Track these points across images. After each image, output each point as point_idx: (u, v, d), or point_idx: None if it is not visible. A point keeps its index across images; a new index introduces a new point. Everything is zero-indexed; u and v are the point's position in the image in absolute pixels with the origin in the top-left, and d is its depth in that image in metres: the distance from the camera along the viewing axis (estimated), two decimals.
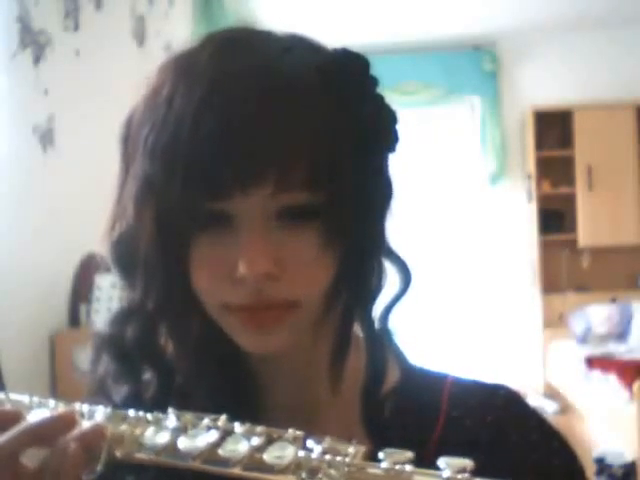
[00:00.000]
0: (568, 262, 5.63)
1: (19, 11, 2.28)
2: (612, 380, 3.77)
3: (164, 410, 0.52)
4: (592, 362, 4.22)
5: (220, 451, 0.48)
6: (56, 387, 2.37)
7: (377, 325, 0.60)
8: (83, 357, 2.34)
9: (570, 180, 5.55)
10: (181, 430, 0.50)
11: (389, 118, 0.57)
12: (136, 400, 0.59)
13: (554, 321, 5.45)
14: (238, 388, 0.60)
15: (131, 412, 0.52)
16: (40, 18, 2.39)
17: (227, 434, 0.49)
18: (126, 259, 0.60)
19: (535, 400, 5.29)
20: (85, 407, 0.54)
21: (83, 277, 2.55)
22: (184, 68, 0.55)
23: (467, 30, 5.52)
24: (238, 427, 0.49)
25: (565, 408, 4.90)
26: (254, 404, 0.60)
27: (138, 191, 0.55)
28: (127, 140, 0.59)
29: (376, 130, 0.56)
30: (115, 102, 3.21)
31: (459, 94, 5.76)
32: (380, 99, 0.57)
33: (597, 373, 4.07)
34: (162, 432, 0.50)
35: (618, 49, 5.66)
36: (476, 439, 0.58)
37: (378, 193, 0.58)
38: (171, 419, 0.51)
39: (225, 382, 0.60)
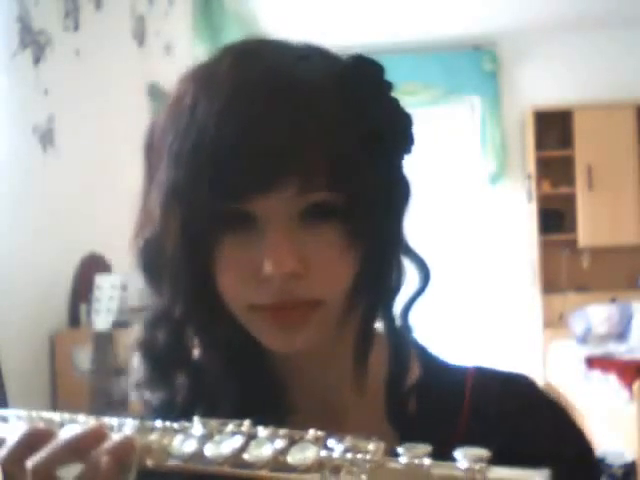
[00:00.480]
0: (568, 262, 5.63)
1: (19, 11, 2.28)
2: (612, 380, 3.77)
3: (195, 414, 0.53)
4: (592, 362, 4.22)
5: (245, 455, 0.49)
6: (56, 387, 2.37)
7: (398, 322, 0.62)
8: (83, 357, 2.34)
9: (570, 180, 5.54)
10: (207, 437, 0.51)
11: (405, 120, 0.59)
12: (170, 405, 0.60)
13: (554, 321, 5.44)
14: (264, 391, 0.61)
15: (158, 422, 0.53)
16: (40, 18, 2.39)
17: (251, 438, 0.50)
18: (153, 265, 0.62)
19: None
20: (114, 420, 0.54)
21: (83, 277, 2.55)
22: (205, 78, 0.57)
23: (467, 30, 5.52)
24: (261, 431, 0.50)
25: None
26: (281, 406, 0.61)
27: (163, 198, 0.57)
28: (151, 149, 0.61)
29: (392, 132, 0.58)
30: (115, 102, 3.24)
31: (459, 94, 5.76)
32: (395, 102, 0.59)
33: (597, 373, 4.07)
34: (189, 440, 0.51)
35: (618, 49, 5.66)
36: (498, 429, 0.59)
37: (396, 193, 0.60)
38: (197, 427, 0.52)
39: (251, 385, 0.61)
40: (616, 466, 3.37)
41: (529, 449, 0.58)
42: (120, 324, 2.38)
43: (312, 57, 0.59)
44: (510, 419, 0.62)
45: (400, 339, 0.62)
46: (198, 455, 0.51)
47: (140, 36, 3.36)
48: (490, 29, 5.54)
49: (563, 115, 5.55)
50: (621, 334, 4.91)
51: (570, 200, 5.53)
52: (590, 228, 5.46)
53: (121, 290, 2.36)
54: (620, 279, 5.62)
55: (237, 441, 0.50)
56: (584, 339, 4.92)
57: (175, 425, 0.52)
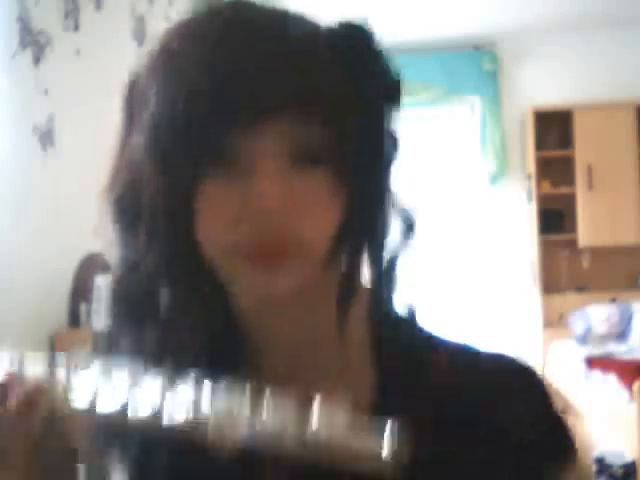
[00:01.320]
0: (568, 262, 5.63)
1: (19, 11, 2.28)
2: (612, 380, 3.76)
3: (163, 365, 0.54)
4: (592, 362, 4.22)
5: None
6: None
7: (383, 276, 0.61)
8: None
9: (570, 180, 5.54)
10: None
11: (392, 71, 0.61)
12: (137, 355, 0.59)
13: (554, 321, 5.44)
14: (233, 348, 0.60)
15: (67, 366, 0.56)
16: (40, 18, 2.39)
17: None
18: (129, 214, 0.60)
19: None
20: (29, 359, 0.59)
21: (83, 277, 2.55)
22: (193, 22, 0.58)
23: (467, 30, 5.52)
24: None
25: (565, 408, 4.90)
26: (249, 367, 0.60)
27: (147, 139, 0.55)
28: (131, 95, 0.61)
29: (382, 80, 0.60)
30: (115, 102, 3.22)
31: (459, 94, 5.76)
32: (384, 54, 0.62)
33: (597, 373, 4.07)
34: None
35: (618, 49, 5.66)
36: (466, 403, 0.59)
37: (384, 144, 0.60)
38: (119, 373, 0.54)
39: (220, 343, 0.59)
40: (616, 466, 3.37)
41: (498, 426, 0.57)
42: None
43: (301, 16, 0.61)
44: (479, 395, 0.60)
45: (384, 292, 0.62)
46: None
47: (140, 36, 3.36)
48: (490, 29, 5.53)
49: (563, 115, 5.54)
50: (621, 334, 4.91)
51: (570, 200, 5.53)
52: (590, 228, 5.46)
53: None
54: (620, 279, 5.62)
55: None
56: (584, 339, 4.92)
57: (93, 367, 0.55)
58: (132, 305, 0.61)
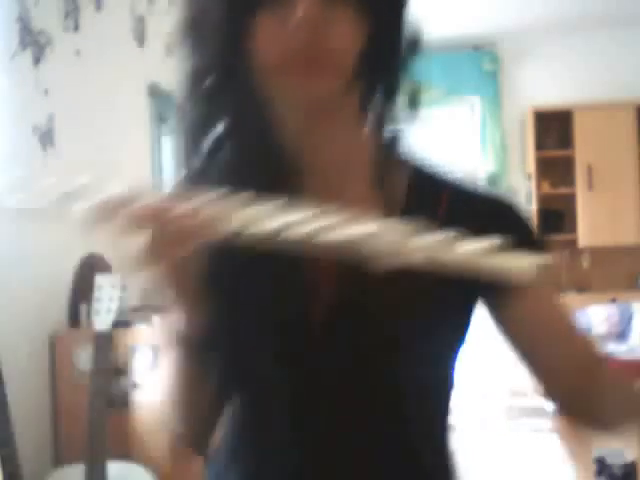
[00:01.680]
0: (568, 262, 5.63)
1: (19, 11, 2.28)
2: None
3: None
4: None
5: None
6: (56, 387, 2.37)
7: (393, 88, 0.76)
8: (83, 357, 2.34)
9: (570, 180, 5.54)
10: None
11: None
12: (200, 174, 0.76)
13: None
14: (280, 170, 0.73)
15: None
16: (40, 18, 2.39)
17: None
18: (197, 35, 0.72)
19: (535, 400, 5.29)
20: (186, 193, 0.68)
21: (83, 277, 2.55)
22: None
23: (467, 30, 5.52)
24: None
25: None
26: (292, 189, 0.70)
27: None
28: None
29: None
30: (115, 102, 3.24)
31: (459, 94, 5.76)
32: None
33: None
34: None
35: (618, 49, 5.66)
36: (468, 223, 0.67)
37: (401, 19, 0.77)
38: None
39: (269, 164, 0.73)
40: (616, 466, 3.37)
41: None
42: (120, 324, 2.38)
43: None
44: (479, 217, 0.74)
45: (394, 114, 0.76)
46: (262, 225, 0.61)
47: (140, 36, 3.36)
48: (490, 29, 5.53)
49: (563, 115, 5.54)
50: (621, 334, 4.91)
51: (570, 200, 5.53)
52: (590, 228, 5.46)
53: (121, 290, 2.36)
54: (620, 279, 5.62)
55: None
56: None
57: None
58: (198, 115, 0.74)
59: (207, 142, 0.75)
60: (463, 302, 0.82)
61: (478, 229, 0.64)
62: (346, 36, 0.69)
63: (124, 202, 0.65)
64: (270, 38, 0.68)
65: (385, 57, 0.74)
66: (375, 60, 0.72)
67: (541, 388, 0.84)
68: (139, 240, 0.63)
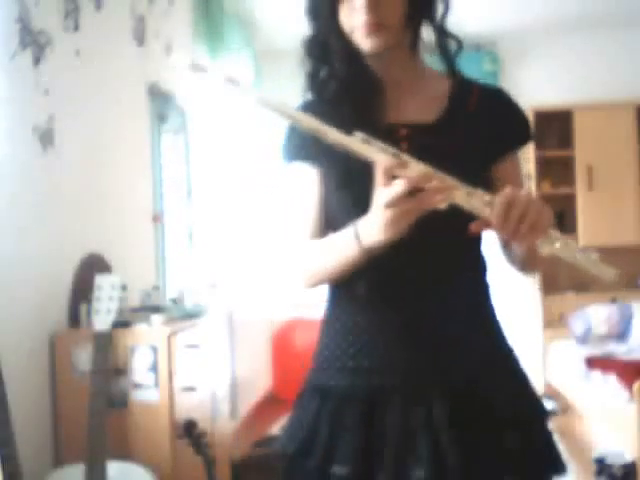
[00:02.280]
0: (568, 262, 5.62)
1: (19, 11, 2.28)
2: (612, 380, 3.76)
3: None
4: (592, 362, 4.22)
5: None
6: (56, 387, 2.37)
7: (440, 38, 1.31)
8: (83, 357, 2.34)
9: (570, 180, 5.54)
10: None
11: None
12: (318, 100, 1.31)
13: (554, 321, 5.44)
14: (370, 87, 1.27)
15: None
16: (40, 18, 2.39)
17: None
18: (315, 15, 1.29)
19: None
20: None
21: (83, 277, 2.55)
22: None
23: (467, 30, 5.50)
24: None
25: (565, 408, 4.90)
26: (381, 95, 1.27)
27: None
28: None
29: None
30: (115, 102, 3.24)
31: None
32: None
33: (597, 373, 4.06)
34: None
35: (618, 49, 5.66)
36: (491, 99, 1.32)
37: None
38: None
39: (364, 84, 1.27)
40: (616, 466, 3.37)
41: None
42: (120, 324, 2.38)
43: None
44: (496, 99, 1.31)
45: (447, 49, 1.30)
46: None
47: (140, 36, 3.36)
48: (490, 29, 5.53)
49: (563, 115, 5.54)
50: (621, 334, 4.90)
51: (570, 200, 5.52)
52: (590, 228, 5.46)
53: (121, 290, 2.36)
54: (620, 279, 5.60)
55: None
56: (584, 339, 4.92)
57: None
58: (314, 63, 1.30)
59: (320, 77, 1.29)
60: (485, 167, 1.27)
61: (495, 106, 1.29)
62: (390, 10, 1.20)
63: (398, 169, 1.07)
64: (350, 15, 1.21)
65: (419, 17, 1.26)
66: (414, 19, 1.24)
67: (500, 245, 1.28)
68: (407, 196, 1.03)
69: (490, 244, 1.28)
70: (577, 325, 5.00)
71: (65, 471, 2.21)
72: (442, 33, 1.27)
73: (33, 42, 2.36)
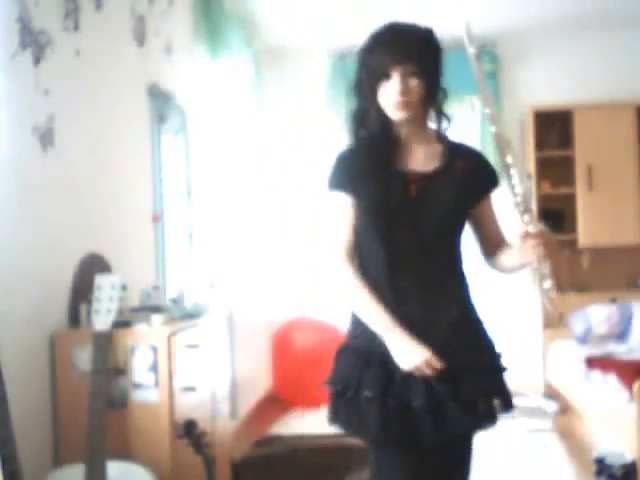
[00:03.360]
0: (568, 262, 5.63)
1: (19, 11, 2.28)
2: (612, 380, 3.76)
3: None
4: (592, 362, 4.22)
5: None
6: (56, 387, 2.37)
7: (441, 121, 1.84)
8: (83, 357, 2.34)
9: (570, 180, 5.54)
10: None
11: (443, 55, 1.87)
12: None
13: (554, 321, 5.44)
14: (391, 146, 1.78)
15: None
16: (40, 18, 2.39)
17: None
18: (357, 91, 1.80)
19: (535, 400, 5.29)
20: None
21: (83, 277, 2.55)
22: (380, 30, 1.85)
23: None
24: None
25: (565, 408, 4.90)
26: (403, 153, 1.79)
27: (365, 64, 1.77)
28: (364, 52, 1.78)
29: (440, 59, 1.85)
30: (115, 102, 3.24)
31: (459, 94, 5.75)
32: (442, 48, 1.88)
33: (597, 373, 4.06)
34: None
35: (618, 49, 5.66)
36: (472, 160, 1.86)
37: (439, 75, 1.82)
38: None
39: (387, 143, 1.78)
40: (616, 466, 3.37)
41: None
42: (120, 324, 2.38)
43: (416, 25, 1.84)
44: (475, 160, 1.85)
45: (442, 128, 1.82)
46: None
47: (140, 36, 3.36)
48: (490, 29, 5.53)
49: (563, 115, 5.54)
50: (621, 334, 4.90)
51: (570, 200, 5.52)
52: (590, 228, 5.46)
53: (121, 290, 2.36)
54: (620, 279, 5.62)
55: None
56: (584, 339, 4.92)
57: None
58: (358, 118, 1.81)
59: (360, 138, 1.80)
60: (466, 205, 1.84)
61: (474, 162, 1.83)
62: (416, 93, 1.72)
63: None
64: (387, 96, 1.73)
65: (432, 98, 1.78)
66: (428, 100, 1.77)
67: (481, 249, 2.03)
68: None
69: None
70: (577, 325, 5.00)
71: (65, 471, 2.21)
72: (440, 113, 1.81)
73: (33, 42, 2.36)
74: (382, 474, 1.78)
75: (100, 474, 2.09)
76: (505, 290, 5.74)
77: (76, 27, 2.67)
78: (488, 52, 5.69)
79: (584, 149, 5.48)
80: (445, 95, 1.81)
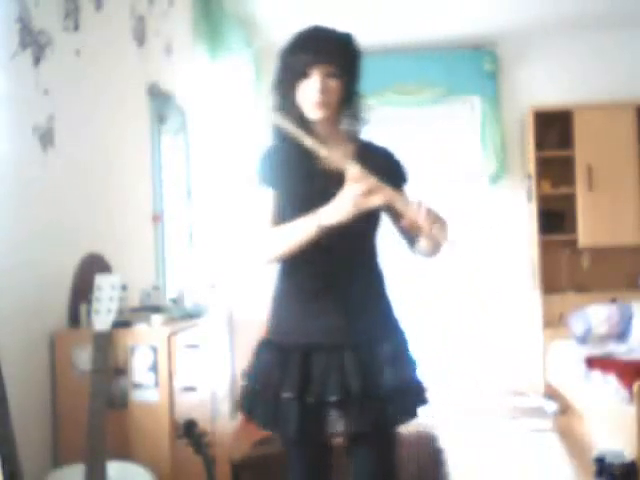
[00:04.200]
0: (568, 262, 5.63)
1: (19, 11, 2.28)
2: (612, 380, 3.76)
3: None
4: (592, 362, 4.22)
5: None
6: (56, 387, 2.37)
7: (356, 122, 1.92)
8: (83, 357, 2.34)
9: (570, 180, 5.54)
10: None
11: (361, 58, 1.87)
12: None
13: (554, 321, 5.44)
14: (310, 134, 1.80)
15: None
16: (40, 18, 2.39)
17: None
18: (276, 90, 1.87)
19: (535, 400, 5.29)
20: None
21: (83, 277, 2.55)
22: (300, 33, 1.85)
23: (467, 30, 5.52)
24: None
25: (565, 408, 4.90)
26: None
27: (284, 64, 1.84)
28: (282, 56, 1.84)
29: (359, 61, 1.87)
30: (115, 102, 3.23)
31: (459, 94, 5.76)
32: (361, 52, 1.87)
33: (597, 373, 4.07)
34: None
35: (618, 49, 5.66)
36: (381, 158, 1.92)
37: (357, 78, 1.87)
38: None
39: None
40: (616, 466, 3.37)
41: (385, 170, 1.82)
42: (120, 324, 2.38)
43: (337, 30, 1.85)
44: (384, 158, 1.93)
45: (357, 130, 1.91)
46: None
47: (140, 36, 3.36)
48: (490, 29, 5.54)
49: (563, 115, 5.54)
50: (621, 334, 4.91)
51: (570, 200, 5.53)
52: (590, 228, 5.46)
53: (121, 290, 2.36)
54: (620, 279, 5.62)
55: None
56: (584, 339, 4.92)
57: None
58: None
59: (278, 134, 1.84)
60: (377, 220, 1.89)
61: (385, 163, 1.89)
62: (334, 94, 1.79)
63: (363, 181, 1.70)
64: (305, 94, 1.79)
65: (349, 100, 1.86)
66: (345, 101, 1.84)
67: (404, 239, 1.93)
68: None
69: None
70: (577, 325, 5.01)
71: (65, 471, 2.21)
72: (356, 115, 1.88)
73: (33, 42, 2.36)
74: (295, 470, 1.88)
75: (100, 474, 2.09)
76: (505, 290, 5.74)
77: (76, 27, 2.67)
78: (488, 52, 5.69)
79: (584, 149, 5.48)
80: (361, 98, 1.87)
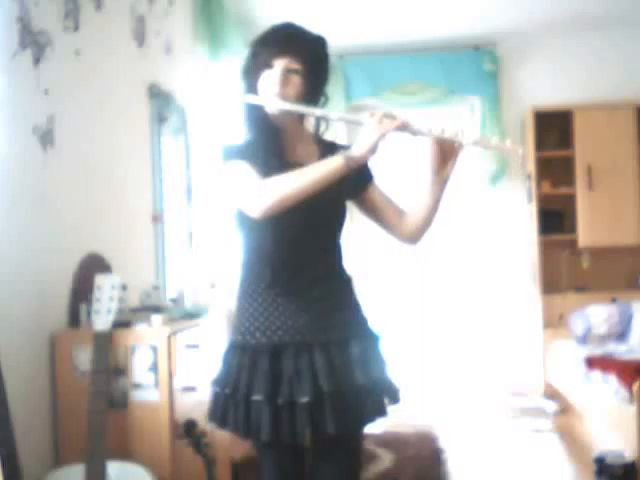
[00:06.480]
0: (568, 262, 5.63)
1: (19, 11, 2.28)
2: (612, 380, 3.76)
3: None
4: (592, 362, 4.22)
5: None
6: (56, 387, 2.37)
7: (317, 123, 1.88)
8: (83, 357, 2.34)
9: (570, 180, 5.54)
10: None
11: (329, 58, 1.85)
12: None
13: (554, 321, 5.44)
14: (276, 139, 1.81)
15: None
16: (40, 18, 2.39)
17: None
18: (247, 78, 1.82)
19: (535, 400, 5.29)
20: None
21: (83, 277, 2.55)
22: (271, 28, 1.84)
23: (467, 30, 5.52)
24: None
25: (565, 408, 4.90)
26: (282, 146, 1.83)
27: (253, 54, 1.81)
28: (251, 52, 1.82)
29: (326, 60, 1.85)
30: (115, 102, 3.23)
31: (459, 94, 5.76)
32: (329, 55, 1.85)
33: (597, 373, 4.07)
34: None
35: (618, 49, 5.66)
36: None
37: (322, 78, 1.84)
38: None
39: (269, 135, 1.80)
40: (616, 466, 3.37)
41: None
42: (120, 324, 2.38)
43: (307, 30, 1.83)
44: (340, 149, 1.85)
45: (319, 128, 1.87)
46: None
47: (140, 36, 3.36)
48: (490, 29, 5.53)
49: (563, 115, 5.54)
50: (621, 334, 4.90)
51: (570, 200, 5.52)
52: (590, 228, 5.46)
53: (121, 290, 2.36)
54: (620, 279, 5.62)
55: None
56: (584, 339, 4.92)
57: None
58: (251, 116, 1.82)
59: (247, 124, 1.83)
60: (343, 199, 1.86)
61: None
62: (294, 89, 1.75)
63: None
64: (266, 84, 1.76)
65: (312, 101, 1.80)
66: (308, 101, 1.78)
67: (388, 231, 1.90)
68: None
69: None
70: (577, 325, 5.01)
71: (65, 471, 2.21)
72: (319, 117, 1.83)
73: (33, 42, 2.36)
74: (266, 472, 1.85)
75: (100, 474, 2.09)
76: (505, 290, 5.74)
77: (76, 27, 2.67)
78: (488, 52, 5.69)
79: (584, 149, 5.48)
80: (327, 101, 1.85)
